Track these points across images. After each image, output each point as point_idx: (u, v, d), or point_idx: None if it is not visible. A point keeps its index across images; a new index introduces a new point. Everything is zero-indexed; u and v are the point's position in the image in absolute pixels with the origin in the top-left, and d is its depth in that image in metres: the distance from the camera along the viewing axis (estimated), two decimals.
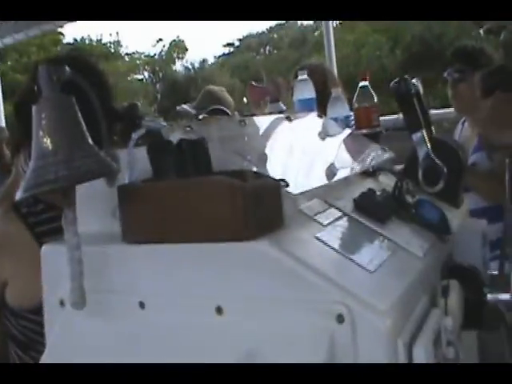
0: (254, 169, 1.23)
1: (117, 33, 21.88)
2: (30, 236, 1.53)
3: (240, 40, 21.62)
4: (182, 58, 22.22)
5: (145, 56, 22.86)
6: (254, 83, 3.33)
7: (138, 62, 22.86)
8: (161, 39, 21.88)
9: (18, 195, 1.12)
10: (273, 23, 20.67)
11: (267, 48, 21.10)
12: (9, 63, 19.17)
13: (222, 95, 3.57)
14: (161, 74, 21.96)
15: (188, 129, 1.27)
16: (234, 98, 3.76)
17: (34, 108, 1.13)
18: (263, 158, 1.34)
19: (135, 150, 1.26)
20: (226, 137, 1.36)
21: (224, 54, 22.28)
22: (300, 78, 2.27)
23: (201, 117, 1.54)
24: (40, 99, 1.14)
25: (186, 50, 22.07)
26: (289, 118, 1.76)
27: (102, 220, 1.29)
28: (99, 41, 21.65)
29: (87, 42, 21.36)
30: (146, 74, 22.72)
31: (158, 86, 20.87)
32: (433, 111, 2.00)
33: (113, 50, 22.37)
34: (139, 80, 22.62)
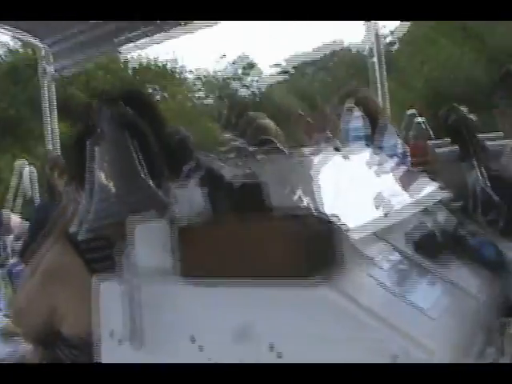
0: (307, 204, 1.23)
1: (173, 52, 21.68)
2: (84, 268, 1.55)
3: (294, 67, 21.43)
4: (247, 74, 21.78)
5: (205, 74, 22.65)
6: (301, 112, 3.33)
7: (197, 79, 22.75)
8: (224, 55, 21.54)
9: (74, 228, 1.14)
10: (328, 49, 20.47)
11: (321, 73, 20.97)
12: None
13: (264, 123, 3.56)
14: (219, 92, 21.73)
15: (240, 163, 1.28)
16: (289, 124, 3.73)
17: (90, 144, 1.16)
18: (316, 193, 1.33)
19: (186, 183, 1.28)
20: (278, 172, 1.35)
21: (280, 73, 21.93)
22: (348, 106, 2.27)
23: (251, 149, 1.55)
24: (97, 136, 1.16)
25: (253, 66, 21.65)
26: (338, 149, 1.75)
27: (153, 253, 1.30)
28: (156, 60, 21.73)
29: (145, 62, 21.44)
30: (202, 92, 22.52)
31: (218, 104, 20.66)
32: (488, 141, 1.94)
33: (171, 69, 22.40)
34: (199, 99, 22.55)
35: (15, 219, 5.28)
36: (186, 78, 22.90)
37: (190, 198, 1.28)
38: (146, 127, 1.26)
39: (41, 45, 5.60)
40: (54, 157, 4.70)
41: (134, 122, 1.25)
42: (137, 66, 21.24)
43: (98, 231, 1.14)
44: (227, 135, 3.21)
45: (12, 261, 4.58)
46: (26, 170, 5.84)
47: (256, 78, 21.69)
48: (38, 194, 5.72)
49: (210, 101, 21.99)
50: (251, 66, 21.60)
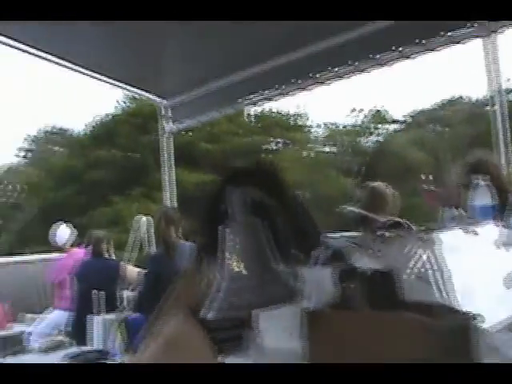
0: (441, 295, 1.18)
1: (304, 105, 21.71)
2: (208, 343, 1.56)
3: (412, 116, 20.93)
4: (379, 128, 21.44)
5: (335, 127, 22.47)
6: (426, 187, 3.28)
7: (320, 129, 22.67)
8: (362, 109, 21.28)
9: (206, 313, 1.15)
10: (440, 99, 19.95)
11: (437, 125, 20.42)
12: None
13: (386, 196, 3.49)
14: (346, 146, 21.39)
15: (371, 251, 1.25)
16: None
17: (224, 229, 1.18)
18: (449, 282, 1.28)
19: (317, 269, 1.27)
20: (409, 258, 1.32)
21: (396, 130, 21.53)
22: (475, 182, 2.18)
23: (380, 234, 1.51)
24: (231, 222, 1.18)
25: (386, 120, 21.26)
26: (467, 229, 1.68)
27: (282, 337, 1.30)
28: (280, 113, 21.90)
29: (267, 112, 21.64)
30: (328, 145, 22.34)
31: (347, 158, 20.35)
32: None
33: (295, 122, 22.48)
34: (326, 153, 22.43)
35: (131, 270, 5.48)
36: (310, 129, 22.73)
37: (318, 283, 1.27)
38: (276, 210, 1.26)
39: (160, 102, 5.83)
40: (168, 210, 4.86)
41: (266, 207, 1.25)
42: (259, 114, 21.49)
43: (226, 314, 1.14)
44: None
45: (127, 312, 4.73)
46: (143, 221, 6.08)
47: (379, 128, 21.09)
48: (153, 245, 5.92)
49: (333, 150, 21.57)
50: (381, 117, 21.17)
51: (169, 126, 5.90)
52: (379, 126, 21.20)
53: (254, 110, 20.51)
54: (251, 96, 4.97)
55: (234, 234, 1.19)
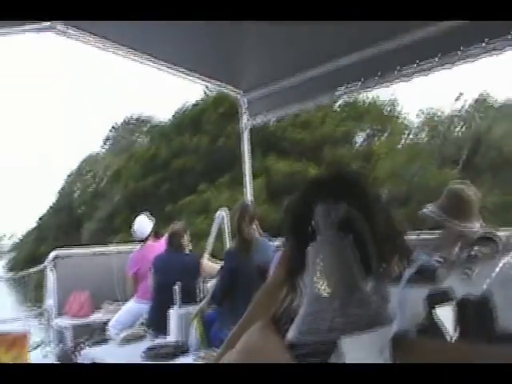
0: None
1: (399, 92, 20.72)
2: (287, 355, 1.51)
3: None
4: (483, 117, 20.22)
5: (433, 115, 21.47)
6: None
7: (423, 121, 21.66)
8: (461, 95, 20.06)
9: (290, 335, 1.10)
10: None
11: None
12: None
13: (467, 199, 3.22)
14: (446, 135, 20.36)
15: (464, 277, 1.16)
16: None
17: (310, 248, 1.12)
18: None
19: (407, 290, 1.19)
20: (505, 281, 1.22)
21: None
22: None
23: (475, 249, 1.41)
24: (317, 238, 1.12)
25: (490, 108, 20.03)
26: None
27: (367, 360, 1.23)
28: (372, 102, 21.16)
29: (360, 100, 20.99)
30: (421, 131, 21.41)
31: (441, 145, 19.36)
32: None
33: (391, 110, 21.68)
34: (424, 142, 21.49)
35: (210, 264, 5.52)
36: (406, 117, 21.83)
37: (408, 305, 1.19)
38: (364, 225, 1.18)
39: (241, 97, 5.83)
40: (246, 205, 4.85)
41: (353, 221, 1.18)
42: (351, 102, 20.94)
43: (305, 338, 1.08)
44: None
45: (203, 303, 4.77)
46: (223, 214, 6.11)
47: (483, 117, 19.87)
48: (229, 240, 5.95)
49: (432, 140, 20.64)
50: (485, 106, 20.09)
51: (245, 121, 5.90)
52: (483, 114, 20.05)
53: (346, 98, 19.77)
54: (345, 86, 4.75)
55: (320, 252, 1.12)
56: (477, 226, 3.10)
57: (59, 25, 4.25)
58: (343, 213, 1.15)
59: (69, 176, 38.63)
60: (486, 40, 3.68)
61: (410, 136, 21.59)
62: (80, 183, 36.44)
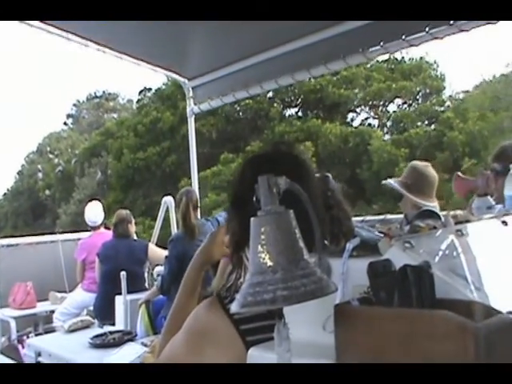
0: (477, 295, 1.12)
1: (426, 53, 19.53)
2: (234, 330, 1.53)
3: None
4: None
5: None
6: (460, 175, 3.19)
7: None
8: None
9: (234, 308, 1.10)
10: None
11: None
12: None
13: (426, 174, 3.43)
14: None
15: (407, 245, 1.19)
16: None
17: (252, 221, 1.12)
18: (486, 278, 1.22)
19: (349, 262, 1.22)
20: (443, 253, 1.26)
21: None
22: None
23: (416, 223, 1.45)
24: (259, 212, 1.12)
25: None
26: (505, 223, 1.60)
27: (312, 331, 1.25)
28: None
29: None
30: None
31: None
32: None
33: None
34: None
35: (158, 251, 5.49)
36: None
37: (351, 277, 1.22)
38: (304, 197, 1.18)
39: (187, 83, 5.78)
40: (190, 191, 4.86)
41: (295, 195, 1.18)
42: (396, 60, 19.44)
43: (251, 308, 1.09)
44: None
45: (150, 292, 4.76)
46: (165, 201, 6.06)
47: None
48: (175, 226, 5.93)
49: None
50: None
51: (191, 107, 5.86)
52: None
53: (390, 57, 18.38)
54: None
55: (262, 225, 1.13)
56: (431, 204, 3.26)
57: None
58: (284, 186, 1.16)
59: (27, 157, 33.97)
60: None
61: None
62: (42, 164, 31.65)
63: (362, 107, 20.03)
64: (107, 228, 6.22)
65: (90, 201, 6.58)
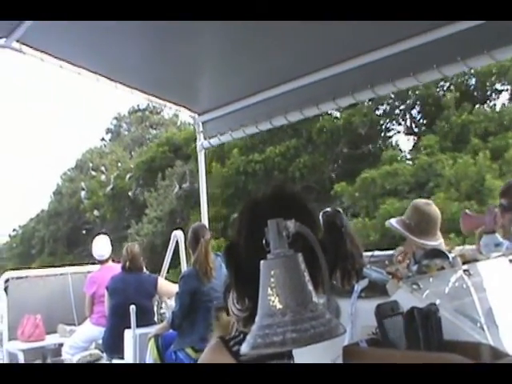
0: (487, 336, 1.13)
1: None
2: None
3: None
4: None
5: None
6: (467, 212, 3.19)
7: None
8: None
9: (244, 349, 1.11)
10: None
11: None
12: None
13: (428, 213, 3.38)
14: None
15: (415, 287, 1.21)
16: None
17: (262, 263, 1.14)
18: (494, 320, 1.23)
19: (358, 303, 1.23)
20: (451, 295, 1.27)
21: None
22: None
23: (424, 263, 1.46)
24: (269, 255, 1.14)
25: None
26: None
27: None
28: None
29: None
30: None
31: None
32: None
33: None
34: None
35: (168, 285, 5.47)
36: None
37: (360, 317, 1.23)
38: (313, 239, 1.21)
39: (197, 118, 5.85)
40: (201, 226, 4.87)
41: (303, 237, 1.20)
42: None
43: (260, 351, 1.10)
44: None
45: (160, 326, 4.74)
46: (174, 235, 6.06)
47: None
48: (185, 261, 5.92)
49: None
50: None
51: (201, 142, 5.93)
52: None
53: None
54: None
55: (271, 268, 1.14)
56: (435, 243, 3.24)
57: (14, 43, 4.21)
58: (293, 229, 1.18)
59: (64, 174, 30.59)
60: None
61: None
62: (85, 182, 27.93)
63: None
64: (114, 261, 6.23)
65: (98, 235, 6.62)
